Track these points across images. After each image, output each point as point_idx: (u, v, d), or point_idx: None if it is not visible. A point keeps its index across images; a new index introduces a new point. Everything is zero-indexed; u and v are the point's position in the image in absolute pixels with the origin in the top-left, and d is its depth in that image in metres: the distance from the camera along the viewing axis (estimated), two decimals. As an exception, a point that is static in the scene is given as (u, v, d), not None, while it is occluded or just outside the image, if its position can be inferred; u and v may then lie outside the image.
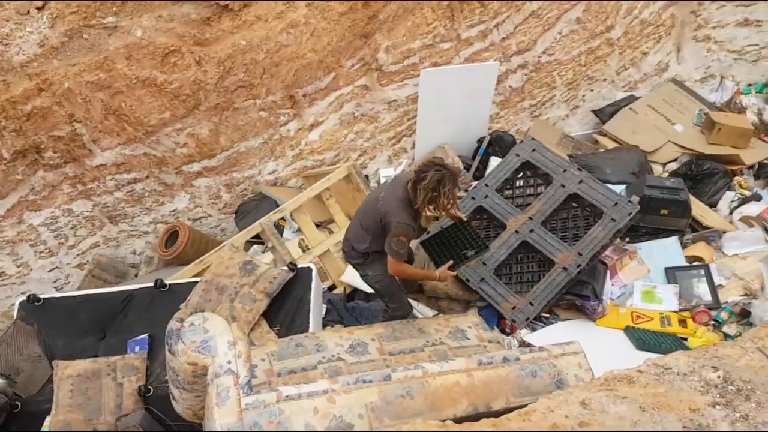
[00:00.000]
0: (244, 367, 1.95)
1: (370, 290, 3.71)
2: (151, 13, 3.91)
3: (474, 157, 4.76)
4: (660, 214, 3.80)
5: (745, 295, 3.45)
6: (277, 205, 4.14)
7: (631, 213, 3.30)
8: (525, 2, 4.71)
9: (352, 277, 3.91)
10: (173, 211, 4.61)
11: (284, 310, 3.06)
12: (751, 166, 4.52)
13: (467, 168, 4.71)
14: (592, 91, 5.18)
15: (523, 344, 3.22)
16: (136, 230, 4.61)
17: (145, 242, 4.66)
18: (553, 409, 1.48)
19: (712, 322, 3.35)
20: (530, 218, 3.50)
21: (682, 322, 3.36)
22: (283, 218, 4.27)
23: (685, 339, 3.28)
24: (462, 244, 3.10)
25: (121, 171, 4.33)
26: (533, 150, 3.70)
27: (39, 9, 3.72)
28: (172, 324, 2.04)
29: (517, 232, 3.49)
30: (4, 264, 4.22)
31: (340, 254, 4.05)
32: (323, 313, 3.52)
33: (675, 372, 1.52)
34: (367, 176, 4.67)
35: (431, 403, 1.94)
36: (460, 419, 1.79)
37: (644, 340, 3.21)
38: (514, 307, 3.31)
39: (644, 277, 3.63)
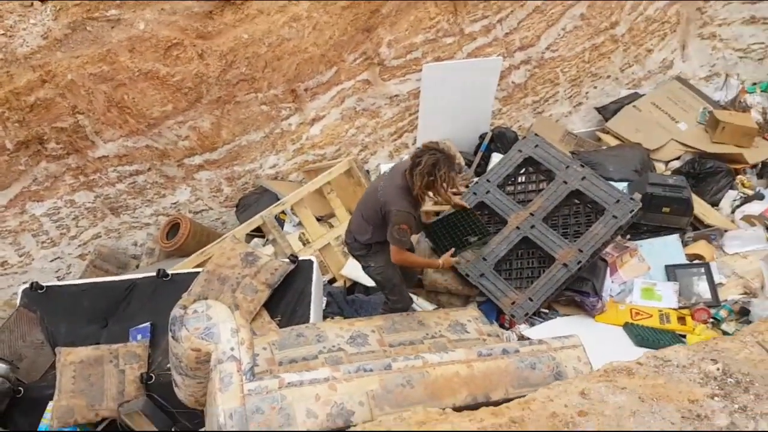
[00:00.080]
0: (246, 354, 1.97)
1: (370, 283, 3.73)
2: (154, 6, 3.92)
3: (476, 153, 4.76)
4: (662, 212, 3.81)
5: (745, 293, 3.46)
6: (278, 199, 4.15)
7: (633, 210, 3.30)
8: (529, -2, 4.70)
9: (352, 270, 3.93)
10: (174, 203, 4.62)
11: (285, 301, 3.08)
12: (755, 165, 4.52)
13: (469, 164, 4.71)
14: (595, 88, 5.18)
15: (522, 339, 3.23)
16: (138, 222, 4.63)
17: (147, 234, 4.68)
18: (552, 399, 1.49)
19: (711, 320, 3.36)
20: (531, 214, 3.50)
21: (681, 320, 3.37)
22: (283, 212, 4.28)
23: (684, 336, 3.29)
24: (464, 230, 3.12)
25: (123, 163, 4.35)
26: (536, 146, 3.70)
27: (43, 1, 3.74)
28: (176, 311, 2.06)
29: (518, 228, 3.49)
30: (6, 253, 4.25)
31: (340, 248, 4.08)
32: (324, 305, 3.53)
33: (674, 364, 1.54)
34: (368, 171, 4.68)
35: (431, 392, 1.96)
36: (459, 408, 1.80)
37: (643, 336, 3.23)
38: (513, 303, 3.32)
39: (644, 275, 3.64)
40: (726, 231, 3.90)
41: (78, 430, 2.76)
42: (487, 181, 3.71)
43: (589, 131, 5.15)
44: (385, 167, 4.77)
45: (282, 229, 4.18)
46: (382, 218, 2.76)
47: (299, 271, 3.16)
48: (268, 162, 4.66)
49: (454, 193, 3.45)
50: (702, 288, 3.50)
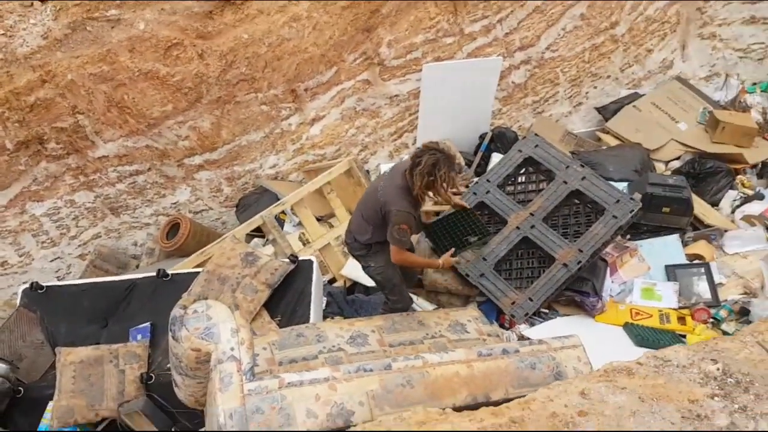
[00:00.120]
0: (246, 354, 1.97)
1: (370, 283, 3.72)
2: (154, 6, 3.92)
3: (476, 153, 4.76)
4: (662, 212, 3.81)
5: (745, 293, 3.46)
6: (278, 199, 4.15)
7: (633, 210, 3.30)
8: (529, -2, 4.70)
9: (352, 270, 3.93)
10: (174, 203, 4.62)
11: (285, 301, 3.08)
12: (755, 165, 4.52)
13: (469, 164, 4.71)
14: (595, 88, 5.17)
15: (522, 339, 3.23)
16: (138, 222, 4.63)
17: (147, 234, 4.68)
18: (552, 399, 1.49)
19: (711, 320, 3.36)
20: (531, 214, 3.50)
21: (681, 320, 3.37)
22: (283, 212, 4.29)
23: (684, 336, 3.29)
24: (464, 230, 3.12)
25: (123, 163, 4.35)
26: (536, 146, 3.70)
27: (43, 1, 3.74)
28: (176, 311, 2.06)
29: (518, 228, 3.49)
30: (6, 253, 4.25)
31: (340, 248, 4.08)
32: (323, 305, 3.53)
33: (674, 364, 1.54)
34: (368, 171, 4.68)
35: (431, 392, 1.96)
36: (459, 408, 1.80)
37: (643, 336, 3.23)
38: (513, 303, 3.32)
39: (644, 275, 3.64)
40: (726, 231, 3.90)
41: (78, 430, 2.76)
42: (487, 181, 3.71)
43: (589, 131, 5.15)
44: (385, 167, 4.77)
45: (282, 229, 4.18)
46: (382, 218, 2.76)
47: (299, 271, 3.16)
48: (268, 162, 4.66)
49: (455, 193, 3.45)
50: (702, 288, 3.51)
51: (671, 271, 3.61)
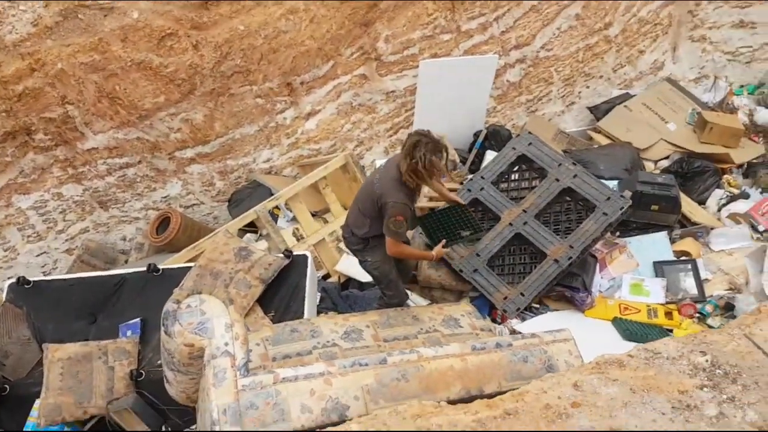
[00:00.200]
0: (241, 349, 1.96)
1: (364, 279, 3.73)
2: (148, -5, 3.87)
3: (470, 151, 4.78)
4: (650, 210, 3.87)
5: (730, 289, 3.53)
6: (271, 194, 4.13)
7: (622, 208, 3.35)
8: (525, -4, 4.72)
9: (346, 266, 3.93)
10: (165, 197, 4.57)
11: (279, 296, 3.07)
12: (741, 165, 4.60)
13: (463, 161, 4.73)
14: (588, 87, 5.22)
15: (514, 333, 3.26)
16: (127, 216, 4.58)
17: (136, 228, 4.62)
18: (546, 391, 1.52)
19: (697, 315, 3.43)
20: (524, 211, 3.54)
21: (669, 315, 3.44)
22: (277, 207, 4.26)
23: (671, 331, 3.35)
24: (458, 224, 3.14)
25: (113, 155, 4.29)
26: (530, 144, 3.73)
27: (33, -13, 3.66)
28: (169, 305, 2.04)
29: (511, 224, 3.53)
30: (-9, 247, 4.18)
31: (334, 243, 4.07)
32: (317, 300, 3.53)
33: (664, 356, 1.57)
34: (363, 167, 4.67)
35: (426, 386, 1.97)
36: (453, 402, 1.81)
37: (631, 331, 3.28)
38: (505, 298, 3.35)
39: (633, 271, 3.70)
40: (712, 229, 3.97)
41: (66, 428, 2.72)
42: (482, 178, 3.74)
43: (581, 130, 5.20)
44: (380, 163, 4.77)
45: (275, 224, 4.17)
46: (379, 210, 2.76)
47: (293, 266, 3.15)
48: (262, 156, 4.63)
49: (451, 190, 3.46)
50: (689, 284, 3.57)
51: (659, 268, 3.68)
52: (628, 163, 4.41)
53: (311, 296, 3.18)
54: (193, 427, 2.71)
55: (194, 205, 4.69)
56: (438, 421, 1.51)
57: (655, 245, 3.81)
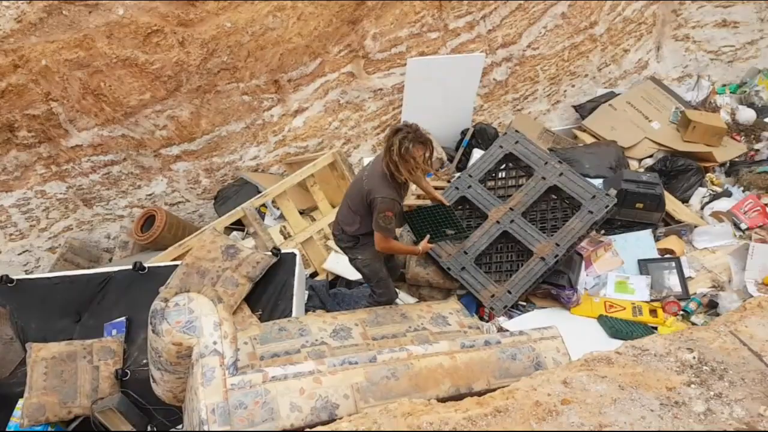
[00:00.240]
0: (230, 348, 1.94)
1: (352, 277, 3.73)
2: (133, -9, 3.80)
3: (457, 149, 4.80)
4: (635, 208, 3.91)
5: (713, 287, 3.60)
6: (258, 191, 4.10)
7: (608, 206, 3.39)
8: (511, -5, 4.74)
9: (334, 264, 3.92)
10: (150, 195, 4.52)
11: (267, 294, 3.06)
12: (723, 164, 4.68)
13: (451, 159, 4.74)
14: (573, 86, 5.27)
15: (501, 331, 3.28)
16: (111, 214, 4.51)
17: (120, 226, 4.56)
18: (535, 388, 1.53)
19: (681, 312, 3.48)
20: (511, 209, 3.56)
21: (653, 312, 3.48)
22: (264, 205, 4.23)
23: (656, 328, 3.40)
24: (443, 223, 3.16)
25: (98, 152, 4.22)
26: (516, 142, 3.75)
27: (14, -18, 3.58)
28: (157, 304, 2.01)
29: (498, 222, 3.55)
30: (-29, 246, 4.09)
31: (322, 241, 4.06)
32: (305, 299, 3.52)
33: (652, 353, 1.59)
34: (351, 165, 4.66)
35: (415, 384, 1.98)
36: (443, 399, 1.82)
37: (617, 328, 3.32)
38: (492, 295, 3.37)
39: (618, 269, 3.74)
40: (696, 227, 4.03)
41: (50, 428, 2.68)
42: (469, 176, 3.75)
43: (567, 129, 5.25)
44: (368, 160, 4.76)
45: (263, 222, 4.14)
46: (368, 207, 2.76)
47: (281, 264, 3.14)
48: (249, 153, 4.60)
49: (439, 188, 3.46)
50: (673, 282, 3.63)
51: (643, 265, 3.73)
52: (612, 161, 4.46)
53: (299, 294, 3.17)
54: (180, 426, 2.69)
55: (179, 202, 4.64)
56: (429, 419, 1.52)
57: (640, 243, 3.86)
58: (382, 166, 2.74)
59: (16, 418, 2.72)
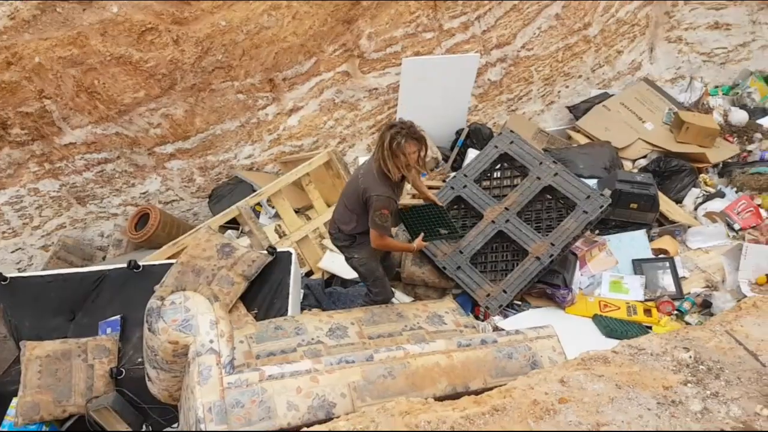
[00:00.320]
0: (226, 347, 1.94)
1: (347, 276, 3.73)
2: (127, -12, 3.78)
3: (452, 148, 4.80)
4: (629, 208, 3.94)
5: (707, 287, 3.62)
6: (253, 190, 4.08)
7: (602, 206, 3.41)
8: (506, -4, 4.76)
9: (329, 263, 3.92)
10: (144, 193, 4.49)
11: (263, 293, 3.05)
12: (716, 165, 4.72)
13: (446, 159, 4.75)
14: (567, 87, 5.30)
15: (496, 330, 3.29)
16: (105, 212, 4.48)
17: (114, 225, 4.53)
18: (533, 387, 1.53)
19: (675, 312, 3.50)
20: (506, 209, 3.57)
21: (647, 312, 3.51)
22: (259, 203, 4.22)
23: (650, 327, 3.42)
24: (437, 222, 3.17)
25: (92, 150, 4.20)
26: (511, 142, 3.76)
27: (7, -22, 3.55)
28: (153, 302, 2.00)
29: (493, 222, 3.55)
30: (-37, 244, 4.05)
31: (317, 240, 4.05)
32: (301, 297, 3.51)
33: (648, 352, 1.60)
34: (346, 164, 4.65)
35: (412, 382, 1.98)
36: (440, 398, 1.82)
37: (611, 327, 3.34)
38: (488, 295, 3.38)
39: (612, 268, 3.76)
40: (689, 227, 4.07)
41: (44, 427, 2.66)
42: (464, 176, 3.76)
43: (560, 129, 5.27)
44: (363, 160, 4.76)
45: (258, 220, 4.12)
46: (364, 205, 2.76)
47: (277, 263, 3.13)
48: (244, 152, 4.58)
49: (435, 188, 3.47)
50: (667, 281, 3.65)
51: (638, 265, 3.75)
52: (606, 162, 4.49)
53: (295, 293, 3.17)
54: (175, 425, 2.67)
55: (173, 201, 4.61)
56: (426, 418, 1.52)
57: (634, 243, 3.89)
58: (376, 163, 2.74)
59: (11, 416, 2.70)
